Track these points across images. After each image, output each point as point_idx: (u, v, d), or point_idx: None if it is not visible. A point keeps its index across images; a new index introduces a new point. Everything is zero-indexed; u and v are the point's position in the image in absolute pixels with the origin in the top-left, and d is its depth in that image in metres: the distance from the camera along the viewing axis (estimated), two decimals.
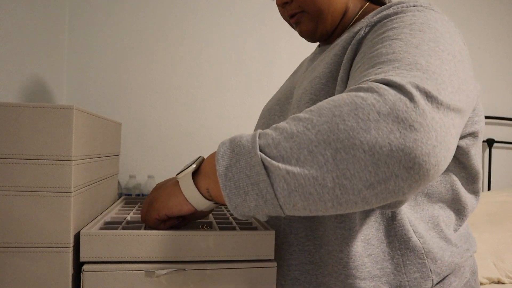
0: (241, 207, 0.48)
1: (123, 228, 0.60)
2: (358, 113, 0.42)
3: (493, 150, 2.29)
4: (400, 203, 0.52)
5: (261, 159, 0.45)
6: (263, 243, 0.58)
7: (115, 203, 0.82)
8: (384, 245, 0.62)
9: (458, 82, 0.49)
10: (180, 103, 1.95)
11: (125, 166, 1.85)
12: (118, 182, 1.75)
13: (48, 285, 0.52)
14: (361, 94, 0.43)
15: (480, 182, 0.70)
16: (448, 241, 0.65)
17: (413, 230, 0.62)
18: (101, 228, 0.60)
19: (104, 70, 1.86)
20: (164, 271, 0.54)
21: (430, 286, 0.62)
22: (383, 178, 0.42)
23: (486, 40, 2.33)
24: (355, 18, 0.74)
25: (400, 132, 0.41)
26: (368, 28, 0.63)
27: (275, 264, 0.58)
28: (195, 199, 0.54)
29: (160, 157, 1.92)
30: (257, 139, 0.46)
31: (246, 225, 0.65)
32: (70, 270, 0.53)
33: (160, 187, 0.60)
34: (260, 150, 0.45)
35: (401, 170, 0.41)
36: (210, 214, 0.72)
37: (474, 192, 0.70)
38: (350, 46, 0.63)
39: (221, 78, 2.00)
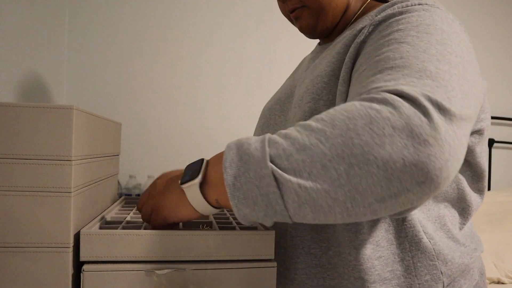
0: (250, 216, 0.47)
1: (123, 228, 0.60)
2: (373, 127, 0.41)
3: (493, 150, 2.30)
4: (409, 210, 0.52)
5: (271, 171, 0.44)
6: (263, 243, 0.58)
7: (115, 203, 0.82)
8: (394, 247, 0.60)
9: (467, 85, 0.48)
10: (180, 103, 1.95)
11: (125, 166, 1.85)
12: (118, 182, 1.75)
13: (48, 285, 0.52)
14: (376, 106, 0.43)
15: (486, 180, 0.69)
16: (456, 240, 0.64)
17: (423, 231, 0.61)
18: (101, 228, 0.60)
19: (104, 70, 1.86)
20: (164, 271, 0.54)
21: None
22: (395, 192, 0.42)
23: (486, 40, 2.33)
24: (357, 15, 0.73)
25: (414, 147, 0.40)
26: (371, 27, 0.61)
27: (275, 264, 0.58)
28: (205, 209, 0.53)
29: (160, 157, 1.92)
30: (267, 147, 0.45)
31: (246, 225, 0.65)
32: (70, 270, 0.53)
33: (163, 190, 0.57)
34: (271, 161, 0.44)
35: (413, 185, 0.41)
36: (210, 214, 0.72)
37: (479, 190, 0.69)
38: (352, 45, 0.62)
39: (221, 78, 2.00)
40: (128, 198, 0.91)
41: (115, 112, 1.87)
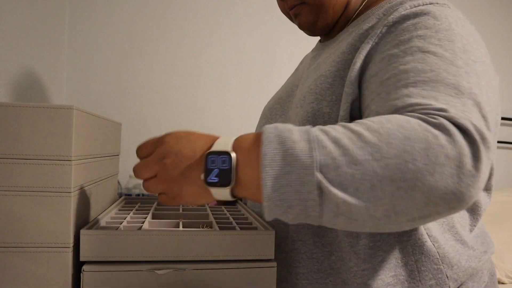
0: (279, 216, 0.44)
1: (123, 228, 0.60)
2: (429, 153, 0.41)
3: None
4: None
5: (317, 181, 0.41)
6: (263, 243, 0.58)
7: (115, 203, 0.82)
8: (396, 251, 0.59)
9: (492, 94, 0.51)
10: (180, 103, 1.95)
11: (125, 166, 1.85)
12: (118, 182, 1.75)
13: (48, 285, 0.52)
14: (433, 131, 0.42)
15: (493, 178, 0.68)
16: (464, 243, 0.63)
17: (427, 233, 0.59)
18: (101, 228, 0.60)
19: (104, 70, 1.86)
20: (164, 271, 0.54)
21: None
22: (426, 214, 0.43)
23: (486, 40, 2.33)
24: (359, 11, 0.72)
25: (459, 177, 0.41)
26: (385, 28, 0.59)
27: (275, 264, 0.58)
28: (226, 199, 0.49)
29: None
30: (315, 152, 0.42)
31: (246, 225, 0.65)
32: (70, 270, 0.53)
33: (178, 178, 0.49)
34: (319, 170, 0.41)
35: (445, 209, 0.43)
36: (210, 214, 0.72)
37: (487, 189, 0.68)
38: (362, 46, 0.60)
39: (221, 78, 2.00)
40: (128, 198, 0.91)
41: (115, 112, 1.87)
